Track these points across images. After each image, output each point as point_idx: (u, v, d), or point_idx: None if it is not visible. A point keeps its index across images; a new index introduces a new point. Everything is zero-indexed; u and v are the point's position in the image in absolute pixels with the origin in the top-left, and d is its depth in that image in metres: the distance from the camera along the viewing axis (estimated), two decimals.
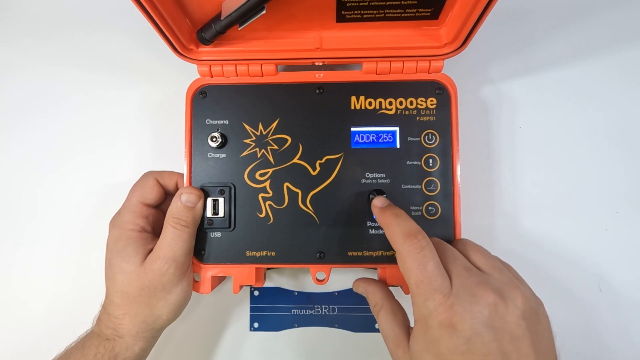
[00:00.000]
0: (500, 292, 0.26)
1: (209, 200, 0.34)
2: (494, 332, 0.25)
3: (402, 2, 0.31)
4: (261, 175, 0.34)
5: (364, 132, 0.34)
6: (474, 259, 0.29)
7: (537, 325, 0.26)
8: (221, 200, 0.34)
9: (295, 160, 0.34)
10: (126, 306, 0.31)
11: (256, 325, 0.40)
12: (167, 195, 0.35)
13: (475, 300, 0.25)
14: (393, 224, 0.29)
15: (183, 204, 0.32)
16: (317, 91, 0.35)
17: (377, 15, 0.32)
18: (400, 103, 0.34)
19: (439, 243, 0.30)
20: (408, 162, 0.34)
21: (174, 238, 0.31)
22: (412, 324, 0.29)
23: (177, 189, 0.34)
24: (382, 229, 0.33)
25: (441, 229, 0.33)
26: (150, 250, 0.32)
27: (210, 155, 0.35)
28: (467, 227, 0.36)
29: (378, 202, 0.31)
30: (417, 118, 0.34)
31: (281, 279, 0.40)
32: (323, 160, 0.34)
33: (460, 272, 0.27)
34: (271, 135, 0.35)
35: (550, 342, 0.27)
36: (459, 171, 0.34)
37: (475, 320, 0.25)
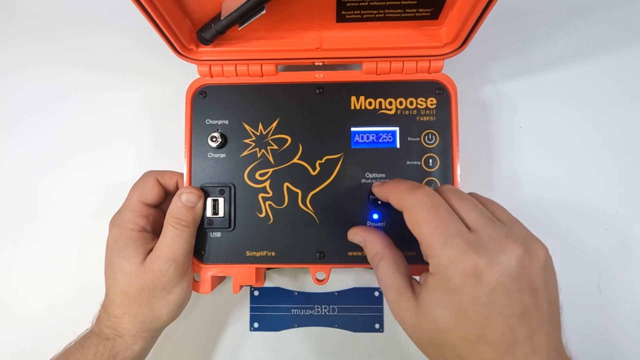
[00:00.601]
0: (526, 244, 0.25)
1: (209, 200, 0.34)
2: (518, 284, 0.24)
3: (402, 2, 0.31)
4: (261, 175, 0.34)
5: (364, 132, 0.34)
6: (493, 209, 0.28)
7: (551, 277, 0.26)
8: (221, 200, 0.34)
9: (295, 160, 0.34)
10: (126, 306, 0.31)
11: (256, 325, 0.40)
12: (167, 195, 0.35)
13: (503, 251, 0.24)
14: (395, 187, 0.28)
15: (183, 203, 0.32)
16: (317, 91, 0.35)
17: (377, 15, 0.32)
18: (400, 103, 0.34)
19: (455, 191, 0.28)
20: (408, 162, 0.34)
21: (174, 238, 0.31)
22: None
23: (177, 188, 0.34)
24: (382, 229, 0.33)
25: None
26: (151, 250, 0.32)
27: (210, 155, 0.35)
28: None
29: (377, 182, 0.32)
30: (417, 118, 0.34)
31: (281, 279, 0.40)
32: (323, 160, 0.34)
33: (485, 222, 0.25)
34: (271, 135, 0.35)
35: (557, 294, 0.26)
36: (459, 171, 0.34)
37: (502, 272, 0.24)
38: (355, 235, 0.32)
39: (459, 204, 0.27)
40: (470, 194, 0.29)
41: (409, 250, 0.33)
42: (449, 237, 0.24)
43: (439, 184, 0.34)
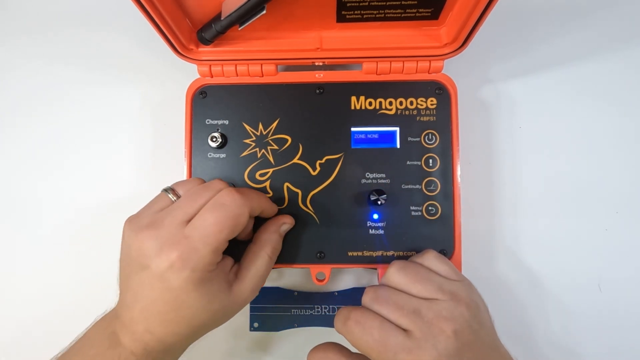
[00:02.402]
0: (452, 316, 0.26)
1: None
2: (460, 356, 0.26)
3: (402, 2, 0.31)
4: (261, 175, 0.34)
5: (364, 132, 0.34)
6: (412, 290, 0.28)
7: (481, 316, 0.28)
8: None
9: (295, 160, 0.34)
10: (190, 339, 0.30)
11: (256, 325, 0.40)
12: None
13: (438, 341, 0.26)
14: (335, 324, 0.29)
15: (281, 234, 0.32)
16: (317, 91, 0.35)
17: (377, 15, 0.32)
18: (400, 103, 0.35)
19: (374, 293, 0.29)
20: (408, 162, 0.34)
21: (269, 267, 0.31)
22: None
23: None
24: (382, 229, 0.34)
25: (441, 229, 0.33)
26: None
27: (210, 155, 0.35)
28: (467, 227, 0.36)
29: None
30: (417, 118, 0.34)
31: (281, 279, 0.40)
32: (323, 160, 0.34)
33: (411, 318, 0.27)
34: (271, 135, 0.35)
35: (490, 322, 0.29)
36: (459, 171, 0.34)
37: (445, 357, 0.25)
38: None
39: (386, 310, 0.28)
40: (388, 270, 0.30)
41: (408, 251, 0.34)
42: (394, 354, 0.26)
43: (439, 184, 0.34)
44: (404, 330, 0.26)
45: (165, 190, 0.30)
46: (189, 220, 0.27)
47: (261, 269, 0.30)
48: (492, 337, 0.28)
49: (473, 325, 0.27)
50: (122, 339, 0.28)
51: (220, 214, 0.27)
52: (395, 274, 0.29)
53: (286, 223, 0.33)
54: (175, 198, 0.30)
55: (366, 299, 0.29)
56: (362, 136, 0.34)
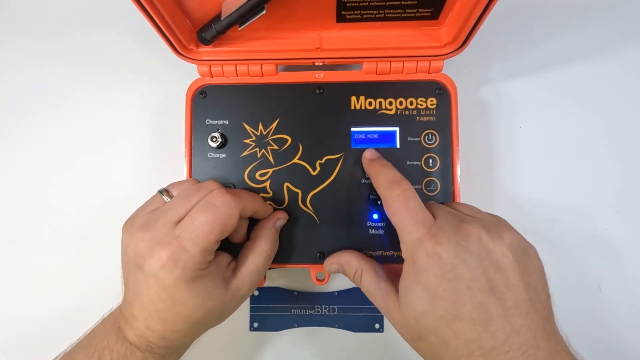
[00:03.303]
0: (486, 227, 0.26)
1: None
2: (479, 259, 0.25)
3: (402, 2, 0.31)
4: (261, 175, 0.34)
5: (364, 132, 0.34)
6: (460, 209, 0.30)
7: (526, 260, 0.26)
8: None
9: (295, 160, 0.34)
10: (193, 334, 0.30)
11: (256, 325, 0.40)
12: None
13: (458, 231, 0.26)
14: (379, 173, 0.31)
15: (277, 229, 0.33)
16: (317, 91, 0.35)
17: (377, 16, 0.32)
18: (400, 103, 0.35)
19: (427, 202, 0.31)
20: (408, 162, 0.34)
21: (267, 264, 0.31)
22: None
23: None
24: (382, 229, 0.33)
25: None
26: (225, 267, 0.30)
27: (210, 155, 0.35)
28: None
29: (368, 154, 0.33)
30: (417, 118, 0.34)
31: (281, 279, 0.40)
32: (323, 160, 0.34)
33: (443, 212, 0.28)
34: (271, 135, 0.35)
35: (542, 280, 0.27)
36: (459, 171, 0.34)
37: (459, 248, 0.25)
38: (331, 265, 0.32)
39: (432, 205, 0.29)
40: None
41: None
42: (415, 224, 0.27)
43: (439, 184, 0.34)
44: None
45: (160, 191, 0.31)
46: (181, 221, 0.28)
47: (259, 264, 0.30)
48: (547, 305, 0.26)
49: (510, 259, 0.25)
50: (126, 334, 0.28)
51: (210, 214, 0.27)
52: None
53: (281, 219, 0.33)
54: (168, 199, 0.30)
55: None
56: (362, 136, 0.34)
